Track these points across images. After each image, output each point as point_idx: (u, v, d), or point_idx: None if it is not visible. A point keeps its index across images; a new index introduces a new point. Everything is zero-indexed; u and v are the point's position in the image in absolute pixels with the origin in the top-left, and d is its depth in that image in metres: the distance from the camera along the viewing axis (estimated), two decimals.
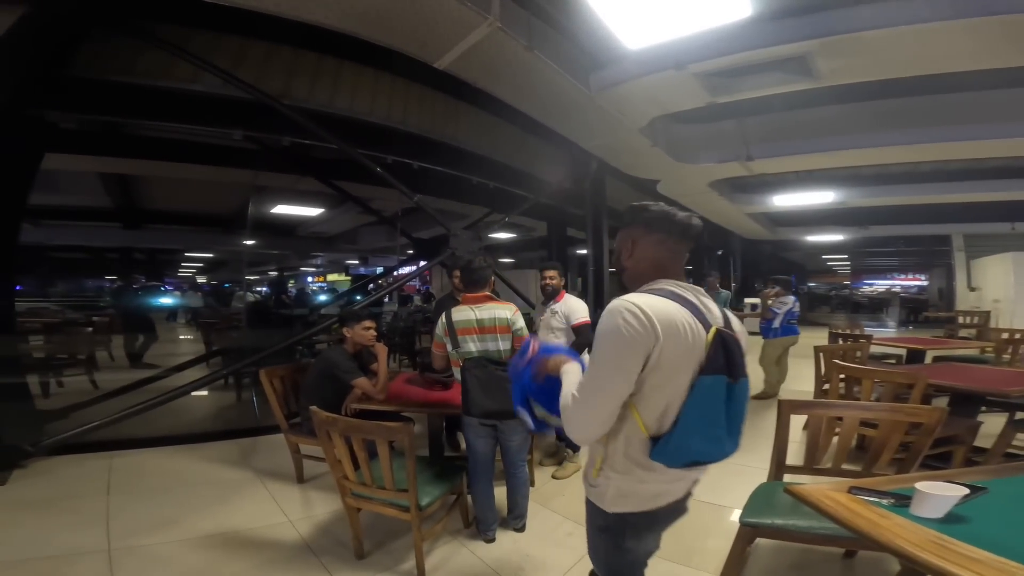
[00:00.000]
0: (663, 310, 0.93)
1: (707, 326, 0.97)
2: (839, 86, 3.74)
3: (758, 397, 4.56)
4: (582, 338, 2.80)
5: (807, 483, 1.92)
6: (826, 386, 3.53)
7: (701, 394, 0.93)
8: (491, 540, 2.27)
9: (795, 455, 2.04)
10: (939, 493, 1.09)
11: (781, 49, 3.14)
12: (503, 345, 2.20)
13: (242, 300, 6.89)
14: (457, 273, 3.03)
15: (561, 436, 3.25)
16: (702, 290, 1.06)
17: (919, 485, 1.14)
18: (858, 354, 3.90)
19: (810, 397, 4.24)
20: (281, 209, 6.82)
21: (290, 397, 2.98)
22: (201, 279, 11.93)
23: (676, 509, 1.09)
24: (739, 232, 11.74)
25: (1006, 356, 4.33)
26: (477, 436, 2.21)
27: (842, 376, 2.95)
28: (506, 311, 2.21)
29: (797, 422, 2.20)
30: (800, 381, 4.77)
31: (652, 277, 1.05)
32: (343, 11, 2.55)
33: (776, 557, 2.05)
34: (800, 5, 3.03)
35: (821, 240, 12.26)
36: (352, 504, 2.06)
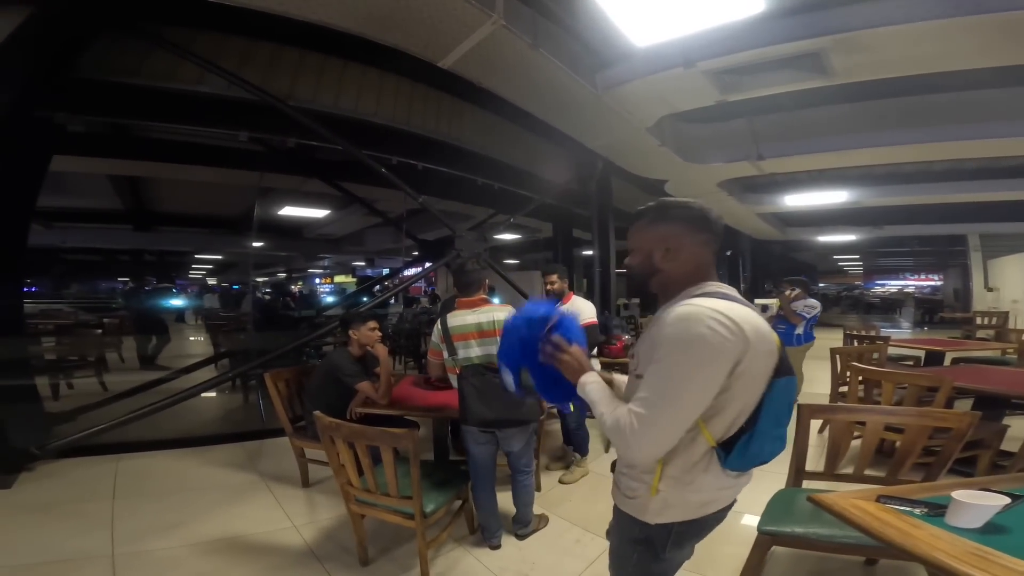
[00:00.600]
0: (746, 316, 0.90)
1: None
2: (852, 84, 3.66)
3: None
4: (590, 339, 2.75)
5: (827, 489, 1.87)
6: (842, 388, 3.45)
7: (778, 396, 0.93)
8: (496, 547, 2.22)
9: (812, 460, 1.97)
10: (978, 502, 1.02)
11: (794, 46, 3.07)
12: None
13: (249, 302, 6.92)
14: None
15: (568, 440, 3.20)
16: None
17: (956, 494, 1.07)
18: (875, 356, 3.80)
19: (825, 400, 4.16)
20: (288, 211, 6.85)
21: (295, 400, 2.96)
22: (211, 281, 12.05)
23: (721, 515, 1.06)
24: (749, 232, 11.60)
25: None
26: (476, 443, 2.16)
27: (860, 379, 2.85)
28: (504, 313, 2.12)
29: (813, 426, 2.13)
30: (812, 384, 4.65)
31: (695, 281, 0.99)
32: (346, 10, 2.53)
33: (794, 564, 1.97)
34: (814, 1, 2.96)
35: (832, 240, 12.08)
36: (356, 510, 2.02)
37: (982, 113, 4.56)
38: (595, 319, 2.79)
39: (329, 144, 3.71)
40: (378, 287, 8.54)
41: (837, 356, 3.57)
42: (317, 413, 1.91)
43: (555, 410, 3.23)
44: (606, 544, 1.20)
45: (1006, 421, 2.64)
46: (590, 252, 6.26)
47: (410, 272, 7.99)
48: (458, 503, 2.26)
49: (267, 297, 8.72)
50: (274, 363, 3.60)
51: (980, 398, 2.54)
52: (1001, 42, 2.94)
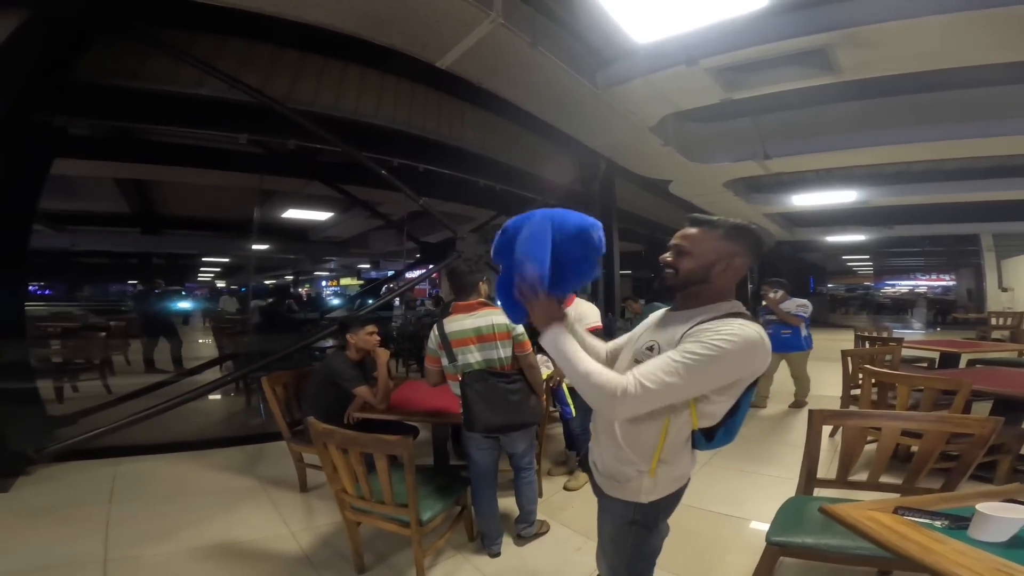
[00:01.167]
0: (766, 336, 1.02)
1: None
2: (859, 81, 3.59)
3: (795, 406, 4.35)
4: None
5: (840, 498, 1.80)
6: (854, 391, 3.35)
7: (750, 395, 1.08)
8: (496, 555, 2.16)
9: (822, 466, 1.89)
10: (1004, 515, 0.96)
11: (799, 42, 3.01)
12: (504, 353, 2.08)
13: (252, 304, 6.94)
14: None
15: (571, 444, 3.13)
16: None
17: (980, 506, 1.02)
18: (888, 358, 3.69)
19: (831, 403, 4.06)
20: (292, 214, 6.87)
21: (293, 404, 2.92)
22: (220, 284, 12.13)
23: (687, 484, 1.19)
24: None
25: None
26: (479, 449, 2.11)
27: (873, 382, 2.76)
28: (502, 316, 2.06)
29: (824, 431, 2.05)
30: (816, 385, 4.53)
31: (727, 296, 1.09)
32: (341, 10, 2.51)
33: (804, 575, 1.90)
34: None
35: (841, 241, 11.91)
36: (352, 517, 1.97)
37: (994, 110, 4.45)
38: (600, 323, 2.71)
39: (329, 146, 3.70)
40: (384, 288, 8.51)
41: (849, 358, 3.47)
42: (310, 419, 1.87)
43: (557, 413, 3.17)
44: None
45: None
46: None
47: (410, 275, 7.97)
48: (457, 509, 2.21)
49: (270, 300, 8.74)
50: (275, 366, 3.57)
51: (999, 401, 2.44)
52: (1012, 36, 2.86)
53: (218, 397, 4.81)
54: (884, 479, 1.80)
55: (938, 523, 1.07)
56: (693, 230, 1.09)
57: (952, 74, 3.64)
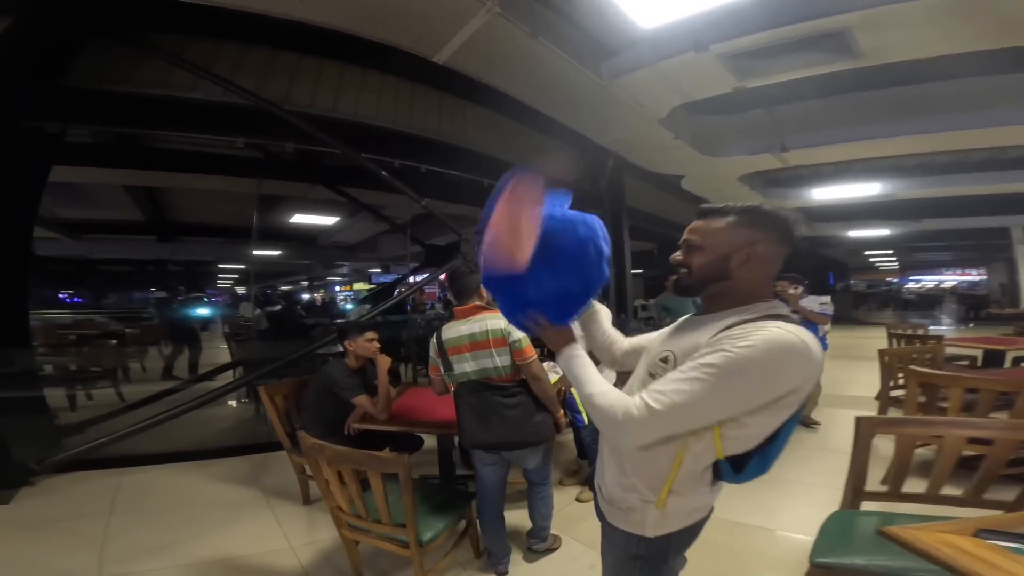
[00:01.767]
0: (817, 345, 0.83)
1: None
2: (879, 68, 3.37)
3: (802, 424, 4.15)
4: None
5: (888, 512, 1.63)
6: (893, 393, 3.15)
7: (796, 417, 0.89)
8: (503, 574, 2.04)
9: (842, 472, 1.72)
10: None
11: (815, 24, 2.82)
12: (501, 361, 1.91)
13: (260, 311, 6.97)
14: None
15: (583, 454, 2.99)
16: None
17: None
18: (928, 356, 3.44)
19: (863, 405, 3.83)
20: (300, 218, 6.87)
21: (294, 413, 2.85)
22: (240, 290, 12.29)
23: (708, 516, 1.05)
24: None
25: None
26: (483, 464, 1.98)
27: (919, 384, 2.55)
28: (499, 320, 1.91)
29: (843, 435, 1.88)
30: (843, 386, 4.29)
31: (760, 295, 0.93)
32: (331, 7, 2.44)
33: None
34: None
35: (862, 235, 11.49)
36: (349, 536, 1.87)
37: (1019, 98, 4.17)
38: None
39: (328, 148, 3.64)
40: (396, 292, 8.47)
41: (887, 358, 3.23)
42: (300, 433, 1.78)
43: (568, 421, 3.04)
44: None
45: None
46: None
47: (414, 279, 7.92)
48: (463, 525, 2.10)
49: (279, 306, 8.78)
50: (280, 374, 3.51)
51: None
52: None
53: (226, 405, 4.79)
54: (946, 491, 1.63)
55: None
56: (700, 221, 0.97)
57: (974, 59, 3.41)
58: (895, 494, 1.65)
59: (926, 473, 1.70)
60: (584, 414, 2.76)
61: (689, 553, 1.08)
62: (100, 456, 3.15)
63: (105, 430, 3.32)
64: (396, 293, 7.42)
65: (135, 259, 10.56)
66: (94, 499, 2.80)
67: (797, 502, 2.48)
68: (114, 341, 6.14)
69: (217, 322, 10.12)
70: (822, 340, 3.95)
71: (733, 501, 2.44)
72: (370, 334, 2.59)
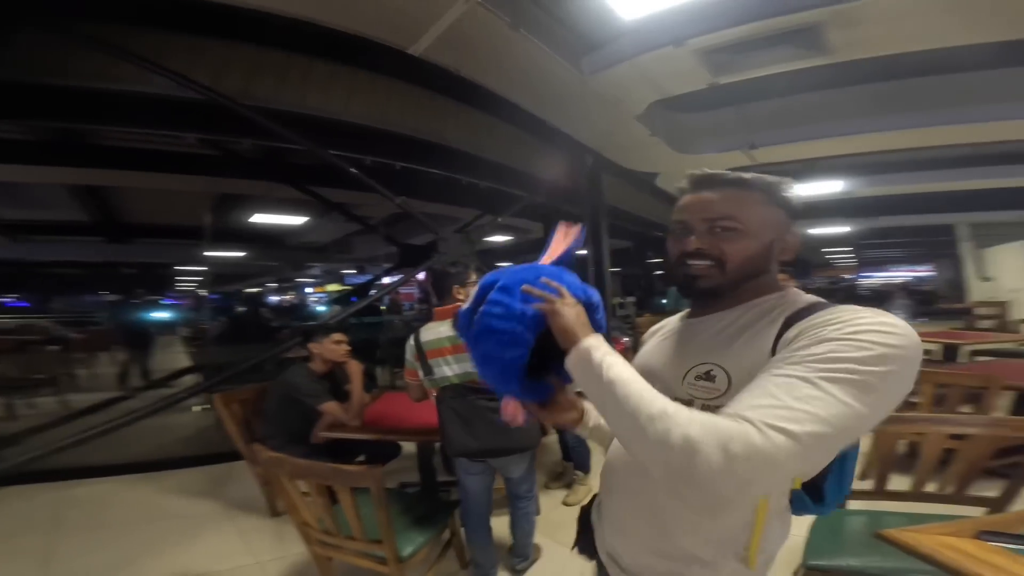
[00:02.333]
0: None
1: None
2: (844, 66, 3.48)
3: None
4: None
5: (875, 510, 1.63)
6: None
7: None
8: None
9: None
10: None
11: (789, 19, 2.87)
12: None
13: (223, 314, 6.65)
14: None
15: (568, 456, 2.93)
16: None
17: None
18: None
19: None
20: (264, 218, 6.57)
21: (254, 422, 2.66)
22: (201, 293, 11.73)
23: None
24: None
25: None
26: (468, 473, 1.89)
27: None
28: None
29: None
30: None
31: (776, 285, 0.74)
32: None
33: None
34: None
35: (822, 233, 11.98)
36: (321, 552, 1.74)
37: (973, 95, 4.38)
38: None
39: (291, 144, 3.45)
40: (372, 292, 8.23)
41: None
42: (256, 447, 1.63)
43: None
44: None
45: None
46: (583, 252, 6.03)
47: (388, 280, 7.72)
48: (446, 535, 1.99)
49: (243, 308, 8.42)
50: (239, 380, 3.30)
51: (1021, 396, 2.32)
52: (1006, 15, 2.77)
53: (184, 413, 4.50)
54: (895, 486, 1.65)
55: None
56: (717, 194, 0.72)
57: (937, 57, 3.57)
58: (880, 492, 1.66)
59: (903, 468, 1.72)
60: None
61: None
62: (42, 468, 2.88)
63: (48, 440, 3.03)
64: (370, 294, 7.20)
65: (84, 261, 9.90)
66: (34, 515, 2.58)
67: None
68: (57, 347, 5.72)
69: (175, 326, 9.65)
70: None
71: None
72: (337, 336, 2.44)
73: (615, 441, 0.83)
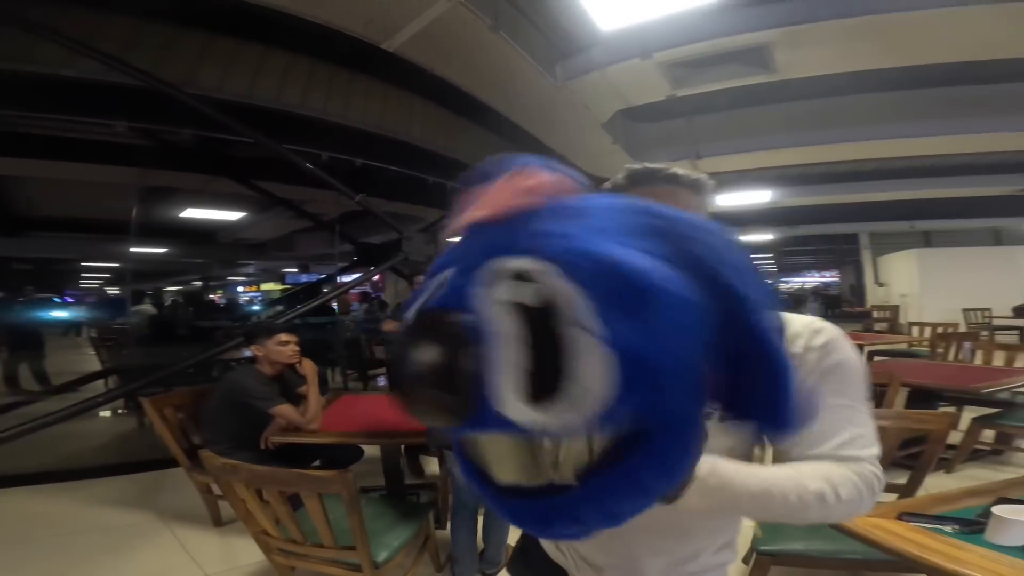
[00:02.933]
0: None
1: None
2: (780, 84, 3.82)
3: None
4: None
5: None
6: None
7: None
8: None
9: None
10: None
11: (744, 38, 3.12)
12: None
13: (142, 314, 6.03)
14: (419, 279, 2.61)
15: None
16: None
17: (996, 509, 1.01)
18: None
19: None
20: (193, 213, 6.02)
21: (191, 427, 2.43)
22: (112, 291, 10.49)
23: None
24: None
25: (939, 350, 4.28)
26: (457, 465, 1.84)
27: None
28: None
29: None
30: None
31: None
32: None
33: None
34: None
35: (747, 240, 13.00)
36: (283, 562, 1.60)
37: (883, 115, 4.88)
38: None
39: (239, 137, 3.18)
40: (325, 290, 7.77)
41: None
42: (204, 453, 1.49)
43: None
44: None
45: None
46: None
47: (346, 279, 7.37)
48: (422, 538, 1.93)
49: (166, 306, 7.68)
50: (172, 382, 3.00)
51: (914, 392, 2.61)
52: (912, 42, 3.12)
53: (96, 419, 4.00)
54: None
55: (947, 528, 1.06)
56: (667, 189, 0.67)
57: (865, 78, 3.97)
58: None
59: None
60: None
61: None
62: None
63: None
64: (323, 292, 6.83)
65: None
66: None
67: None
68: None
69: (77, 326, 8.61)
70: None
71: None
72: (284, 336, 2.27)
73: None
